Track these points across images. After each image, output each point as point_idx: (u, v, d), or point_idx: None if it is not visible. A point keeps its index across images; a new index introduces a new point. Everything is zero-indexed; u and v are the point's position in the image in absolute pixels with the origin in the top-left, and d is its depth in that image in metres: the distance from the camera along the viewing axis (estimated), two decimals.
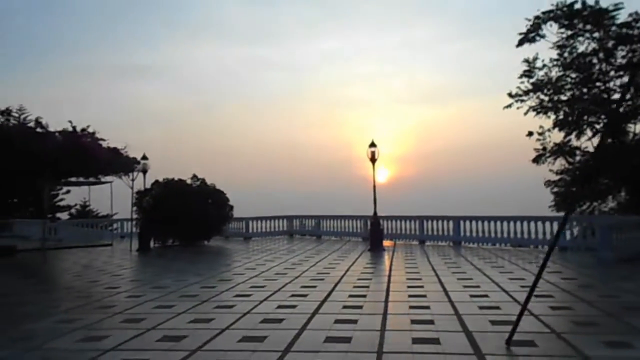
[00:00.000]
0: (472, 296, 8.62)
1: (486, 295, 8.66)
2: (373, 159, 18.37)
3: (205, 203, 21.87)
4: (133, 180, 20.72)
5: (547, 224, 17.65)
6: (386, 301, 8.41)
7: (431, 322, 6.85)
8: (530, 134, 22.86)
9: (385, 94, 61.15)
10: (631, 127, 21.16)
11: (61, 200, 39.22)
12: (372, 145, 18.46)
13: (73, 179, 22.86)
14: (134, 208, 21.44)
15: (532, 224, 17.84)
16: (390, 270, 12.36)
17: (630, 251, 12.79)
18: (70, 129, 17.05)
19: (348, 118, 61.16)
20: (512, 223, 18.37)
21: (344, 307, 8.04)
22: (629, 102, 19.75)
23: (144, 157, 20.51)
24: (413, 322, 6.88)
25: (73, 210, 38.73)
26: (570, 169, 24.07)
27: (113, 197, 23.72)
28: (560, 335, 6.13)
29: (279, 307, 8.19)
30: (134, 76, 56.51)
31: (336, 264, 14.00)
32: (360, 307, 8.02)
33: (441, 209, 22.58)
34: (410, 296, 8.76)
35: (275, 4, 57.17)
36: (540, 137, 22.75)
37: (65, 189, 36.44)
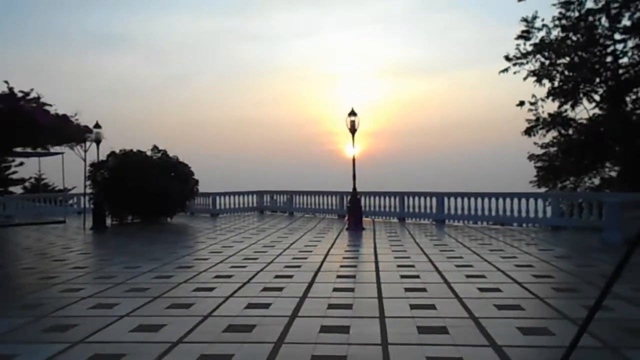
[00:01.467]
0: (481, 290, 7.20)
1: (498, 289, 7.25)
2: (353, 129, 16.72)
3: (167, 176, 19.94)
4: (85, 151, 18.56)
5: (534, 200, 16.51)
6: (379, 297, 6.91)
7: (444, 329, 5.38)
8: (521, 103, 21.54)
9: (360, 67, 59.56)
10: (631, 96, 20.02)
11: (14, 173, 36.36)
12: (352, 113, 16.77)
13: (19, 149, 20.50)
14: (88, 182, 19.32)
15: (521, 200, 16.65)
16: (375, 254, 10.90)
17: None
18: (7, 90, 14.77)
19: (319, 92, 59.58)
20: (500, 200, 17.14)
21: (330, 306, 6.50)
22: (635, 69, 18.54)
23: (97, 126, 18.28)
24: (421, 330, 5.39)
25: (27, 184, 35.85)
26: (562, 142, 22.99)
27: (67, 170, 21.48)
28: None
29: (249, 306, 6.60)
30: (106, 46, 53.45)
31: (313, 246, 12.47)
32: (350, 306, 6.49)
33: (419, 187, 21.16)
34: (407, 290, 7.28)
35: None
36: (532, 107, 21.47)
37: (18, 160, 33.66)
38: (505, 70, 21.38)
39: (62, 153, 20.06)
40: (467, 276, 8.16)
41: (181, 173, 20.69)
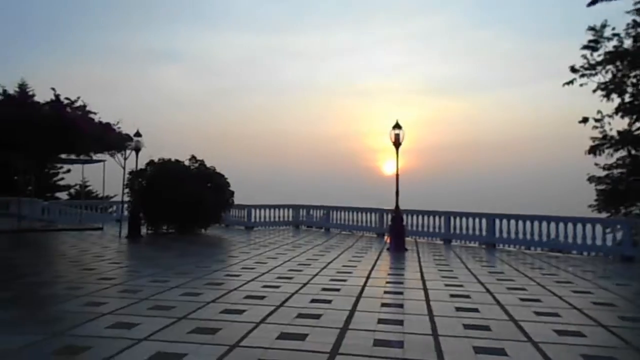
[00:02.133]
0: (558, 333, 6.07)
1: (580, 333, 6.10)
2: (397, 143, 15.72)
3: (204, 187, 19.45)
4: (125, 159, 18.33)
5: (601, 227, 14.95)
6: (434, 334, 5.91)
7: None
8: (584, 120, 19.86)
9: (398, 84, 58.78)
10: None
11: (61, 179, 37.08)
12: (397, 126, 15.80)
13: (63, 156, 20.59)
14: (126, 190, 19.06)
15: (586, 226, 15.07)
16: (423, 280, 9.86)
17: None
18: (53, 97, 14.66)
19: (358, 109, 59.13)
20: (560, 224, 15.63)
21: (376, 342, 5.55)
22: None
23: (137, 134, 18.02)
24: None
25: (72, 191, 36.44)
26: (630, 162, 20.97)
27: (108, 177, 21.47)
28: None
29: (282, 336, 5.73)
30: (155, 61, 54.94)
31: (352, 266, 11.52)
32: (400, 344, 5.52)
33: (461, 207, 19.83)
34: (467, 327, 6.23)
35: None
36: (598, 125, 19.76)
37: (65, 167, 34.35)
38: (571, 82, 19.85)
39: (103, 161, 20.00)
40: (537, 313, 7.02)
41: (217, 184, 20.19)
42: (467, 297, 8.14)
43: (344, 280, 9.50)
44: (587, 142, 20.83)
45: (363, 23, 58.23)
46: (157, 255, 13.45)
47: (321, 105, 61.67)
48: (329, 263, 11.86)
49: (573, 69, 19.63)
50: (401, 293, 8.61)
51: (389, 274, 10.60)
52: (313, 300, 7.67)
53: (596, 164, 23.71)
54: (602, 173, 21.00)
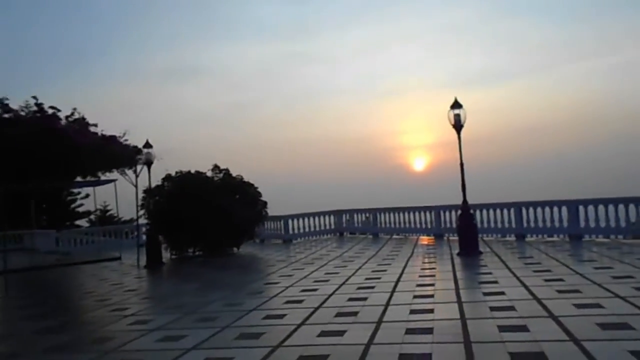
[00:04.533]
0: None
1: None
2: (458, 125, 12.88)
3: (231, 200, 16.99)
4: (137, 175, 16.02)
5: None
6: None
7: None
8: None
9: (419, 80, 55.84)
10: None
11: (80, 205, 35.43)
12: (456, 105, 12.95)
13: (67, 180, 18.40)
14: (142, 211, 16.75)
15: None
16: (537, 300, 7.06)
17: None
18: (34, 107, 12.41)
19: (382, 108, 56.55)
20: None
21: None
22: None
23: (147, 145, 15.60)
24: None
25: (93, 216, 34.60)
26: None
27: (124, 198, 19.21)
28: None
29: None
30: (176, 78, 53.76)
31: (427, 284, 8.79)
32: None
33: (496, 197, 16.83)
34: None
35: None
36: None
37: (84, 192, 32.59)
38: None
39: (114, 180, 17.72)
40: None
41: (247, 194, 17.70)
42: (626, 326, 5.29)
43: (430, 312, 6.75)
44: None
45: (384, 20, 55.63)
46: (177, 290, 10.92)
47: (344, 107, 59.24)
48: (396, 283, 9.11)
49: None
50: (523, 328, 5.75)
51: (484, 294, 7.77)
52: (402, 356, 4.97)
53: None
54: None
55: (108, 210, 34.67)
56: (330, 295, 8.40)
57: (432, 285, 8.77)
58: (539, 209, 15.37)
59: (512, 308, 6.67)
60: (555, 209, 15.04)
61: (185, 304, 8.65)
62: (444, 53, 56.63)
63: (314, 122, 59.44)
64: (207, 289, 10.34)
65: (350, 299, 7.97)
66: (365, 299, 7.92)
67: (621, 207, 13.75)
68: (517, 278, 8.80)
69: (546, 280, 8.40)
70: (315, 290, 9.01)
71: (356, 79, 58.38)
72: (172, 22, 53.90)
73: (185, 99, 54.65)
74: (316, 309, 7.48)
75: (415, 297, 7.80)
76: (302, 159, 61.40)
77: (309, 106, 60.04)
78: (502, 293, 7.67)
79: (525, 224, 15.62)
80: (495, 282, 8.70)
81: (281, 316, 7.18)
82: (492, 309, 6.71)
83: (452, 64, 55.35)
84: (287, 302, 8.23)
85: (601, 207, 14.17)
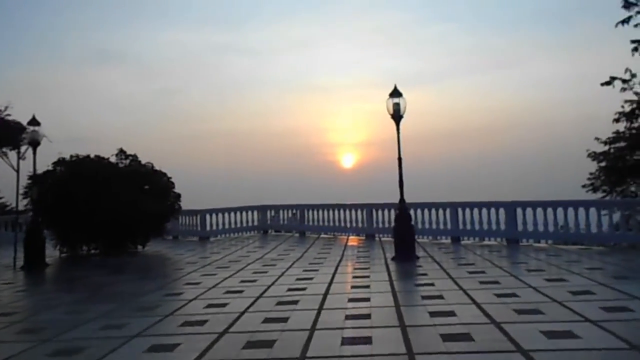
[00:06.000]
0: None
1: None
2: (397, 115, 11.51)
3: (138, 190, 14.72)
4: (20, 158, 13.33)
5: None
6: None
7: None
8: (610, 80, 16.42)
9: (347, 79, 55.52)
10: None
11: None
12: (395, 93, 11.58)
13: None
14: (25, 201, 14.00)
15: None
16: (495, 322, 5.74)
17: None
18: None
19: (312, 104, 55.63)
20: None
21: None
22: None
23: (34, 122, 12.89)
24: None
25: None
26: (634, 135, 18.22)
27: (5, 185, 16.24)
28: None
29: None
30: (96, 62, 49.19)
31: (357, 296, 7.31)
32: None
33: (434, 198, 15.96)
34: None
35: None
36: (626, 85, 16.37)
37: None
38: (626, 20, 16.48)
39: None
40: None
41: (157, 185, 15.46)
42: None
43: (366, 341, 5.20)
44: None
45: (316, 19, 54.43)
46: (46, 303, 8.55)
47: (271, 102, 57.54)
48: (324, 296, 7.53)
49: (627, 3, 16.07)
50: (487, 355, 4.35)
51: (431, 314, 6.34)
52: None
53: (597, 139, 21.35)
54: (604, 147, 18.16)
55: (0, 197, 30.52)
56: (242, 314, 6.64)
57: (367, 300, 7.27)
58: (475, 210, 14.47)
59: (468, 336, 5.26)
60: (493, 210, 14.20)
61: (46, 326, 6.52)
62: (373, 54, 56.57)
63: (239, 114, 57.11)
64: (87, 302, 8.19)
65: (267, 321, 6.25)
66: (286, 321, 6.23)
67: (560, 210, 13.10)
68: (465, 292, 7.51)
69: (498, 296, 7.16)
70: (223, 305, 7.22)
71: (284, 74, 56.98)
72: (101, 5, 49.46)
73: (107, 84, 50.32)
74: (221, 335, 5.70)
75: (347, 317, 6.25)
76: (226, 151, 58.76)
77: (235, 98, 57.58)
78: (452, 314, 6.28)
79: (461, 226, 14.68)
80: (440, 297, 7.34)
81: (172, 347, 5.33)
82: (444, 337, 5.28)
83: (382, 65, 55.27)
84: (186, 323, 6.37)
85: (538, 210, 13.48)
